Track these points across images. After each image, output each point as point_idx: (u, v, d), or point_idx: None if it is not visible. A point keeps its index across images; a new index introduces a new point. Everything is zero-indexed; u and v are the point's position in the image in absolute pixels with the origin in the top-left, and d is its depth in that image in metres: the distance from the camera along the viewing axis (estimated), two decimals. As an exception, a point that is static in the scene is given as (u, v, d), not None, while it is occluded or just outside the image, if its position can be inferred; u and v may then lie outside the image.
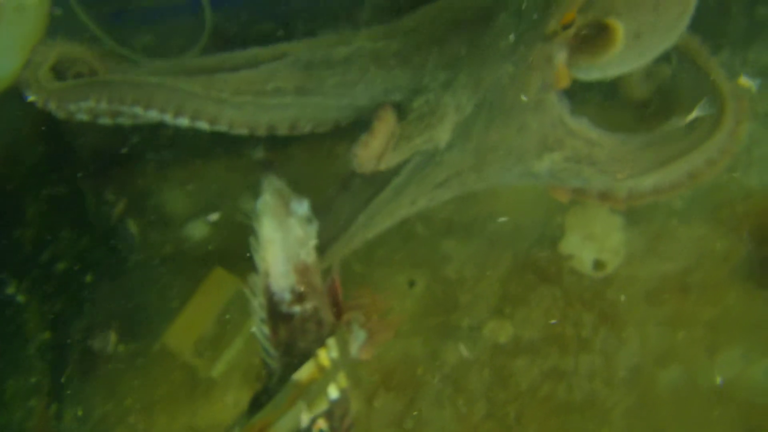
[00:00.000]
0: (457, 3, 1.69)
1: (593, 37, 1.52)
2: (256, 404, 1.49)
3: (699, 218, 2.13)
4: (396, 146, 1.60)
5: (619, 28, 1.48)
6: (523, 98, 1.57)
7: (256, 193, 2.38)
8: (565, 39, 1.51)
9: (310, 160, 2.32)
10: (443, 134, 1.61)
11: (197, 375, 2.21)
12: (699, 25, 1.67)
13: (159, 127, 1.90)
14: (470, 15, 1.64)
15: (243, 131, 1.80)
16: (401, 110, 1.66)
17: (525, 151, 1.65)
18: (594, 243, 2.11)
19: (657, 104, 2.05)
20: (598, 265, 2.13)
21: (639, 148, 1.71)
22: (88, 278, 2.35)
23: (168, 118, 1.73)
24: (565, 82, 1.58)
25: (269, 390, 1.51)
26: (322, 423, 1.49)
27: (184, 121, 1.74)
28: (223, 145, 2.37)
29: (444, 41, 1.64)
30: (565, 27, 1.48)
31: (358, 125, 2.35)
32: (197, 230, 2.34)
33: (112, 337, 2.33)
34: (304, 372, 1.47)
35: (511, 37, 1.52)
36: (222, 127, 1.79)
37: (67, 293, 2.35)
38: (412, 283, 2.19)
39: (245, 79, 1.73)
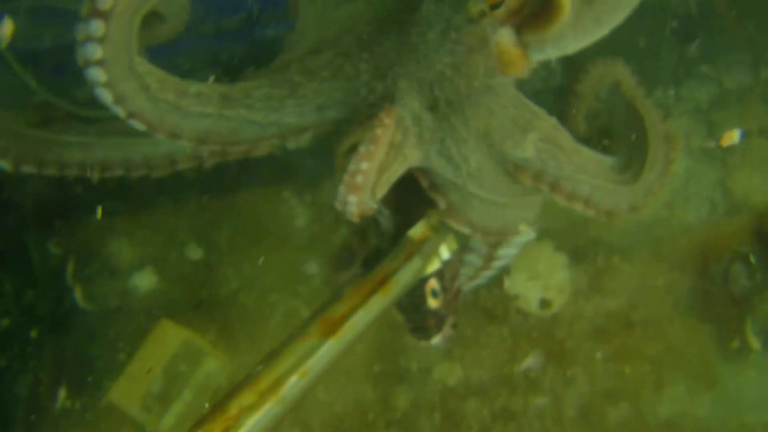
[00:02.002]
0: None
1: (539, 9, 1.39)
2: (369, 263, 1.50)
3: (641, 254, 2.17)
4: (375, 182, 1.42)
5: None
6: (475, 84, 1.46)
7: (202, 242, 2.38)
8: (498, 18, 1.40)
9: (256, 208, 2.33)
10: (413, 151, 1.46)
11: (145, 431, 2.18)
12: (631, 65, 1.70)
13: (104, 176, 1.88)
14: (392, 10, 1.50)
15: (161, 135, 1.55)
16: (341, 131, 1.52)
17: (506, 136, 1.52)
18: (539, 282, 2.13)
19: (596, 142, 2.09)
20: (544, 303, 2.15)
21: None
22: (34, 333, 2.32)
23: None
24: (519, 66, 1.47)
25: (382, 249, 1.55)
26: (434, 283, 1.52)
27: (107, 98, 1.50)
28: (169, 193, 2.37)
29: (372, 45, 1.49)
30: (494, 6, 1.38)
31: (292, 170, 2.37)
32: (143, 281, 2.32)
33: (62, 392, 2.29)
34: (418, 229, 1.51)
35: (439, 27, 1.42)
36: (138, 124, 1.53)
37: (11, 349, 2.31)
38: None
39: (170, 79, 1.53)
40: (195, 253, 2.35)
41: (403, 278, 1.46)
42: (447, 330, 1.55)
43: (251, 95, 1.50)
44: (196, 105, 1.48)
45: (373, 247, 1.62)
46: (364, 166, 1.29)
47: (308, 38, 1.62)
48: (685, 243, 2.15)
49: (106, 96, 1.42)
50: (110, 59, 1.38)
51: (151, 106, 1.48)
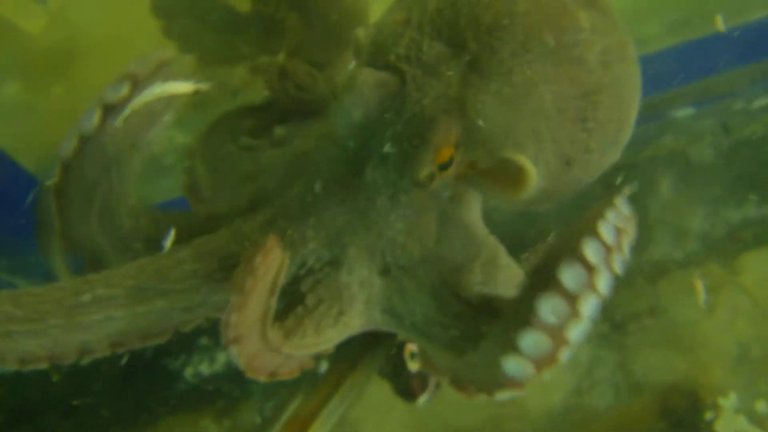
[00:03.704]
0: (319, 159, 1.36)
1: (501, 173, 1.26)
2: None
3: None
4: (301, 344, 1.27)
5: (528, 167, 1.22)
6: (428, 244, 1.33)
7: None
8: (447, 179, 1.27)
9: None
10: (356, 319, 1.33)
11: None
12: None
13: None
14: (338, 171, 1.33)
15: (41, 364, 1.30)
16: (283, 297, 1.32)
17: (455, 276, 1.38)
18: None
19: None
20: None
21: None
22: None
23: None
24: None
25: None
26: (412, 346, 1.44)
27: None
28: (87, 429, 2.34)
29: (318, 210, 1.32)
30: (443, 167, 1.23)
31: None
32: None
33: None
34: None
35: (387, 192, 1.29)
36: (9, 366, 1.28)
37: None
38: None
39: (48, 297, 1.26)
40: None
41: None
42: (432, 388, 1.49)
43: (167, 277, 1.27)
44: (97, 313, 1.25)
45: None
46: (234, 318, 1.14)
47: (232, 196, 1.46)
48: (598, 429, 2.19)
49: None
50: None
51: (38, 342, 1.25)
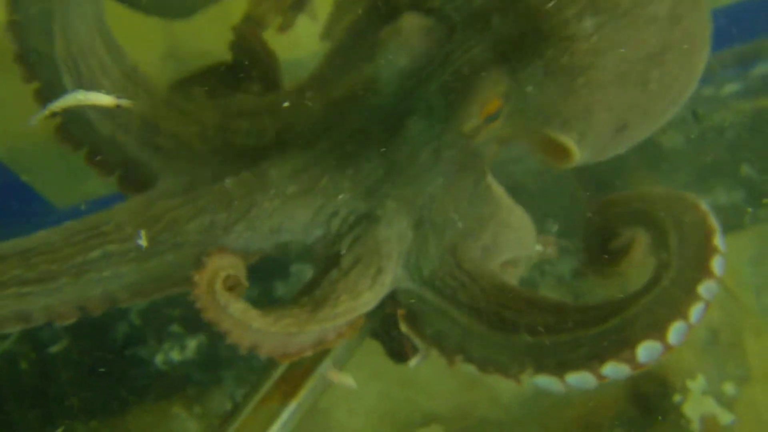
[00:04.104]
0: (359, 108, 1.27)
1: (542, 144, 1.21)
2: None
3: (530, 430, 2.20)
4: (333, 314, 1.20)
5: (571, 148, 1.16)
6: (461, 205, 1.29)
7: None
8: (493, 133, 1.21)
9: (147, 427, 2.29)
10: (389, 277, 1.27)
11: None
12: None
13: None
14: (380, 122, 1.24)
15: (70, 318, 1.23)
16: (300, 254, 1.30)
17: (467, 239, 1.35)
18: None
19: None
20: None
21: None
22: None
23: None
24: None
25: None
26: None
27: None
28: (57, 423, 2.31)
29: (358, 160, 1.24)
30: (489, 119, 1.17)
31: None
32: None
33: None
34: None
35: (430, 146, 1.22)
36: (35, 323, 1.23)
37: None
38: None
39: (58, 255, 1.19)
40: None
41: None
42: (423, 351, 1.41)
43: (182, 230, 1.19)
44: (107, 269, 1.19)
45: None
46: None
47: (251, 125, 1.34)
48: (571, 414, 2.20)
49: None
50: None
51: (57, 298, 1.19)
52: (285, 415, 1.46)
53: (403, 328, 1.34)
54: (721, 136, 2.49)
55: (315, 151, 1.25)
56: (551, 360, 1.20)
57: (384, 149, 1.23)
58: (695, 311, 1.15)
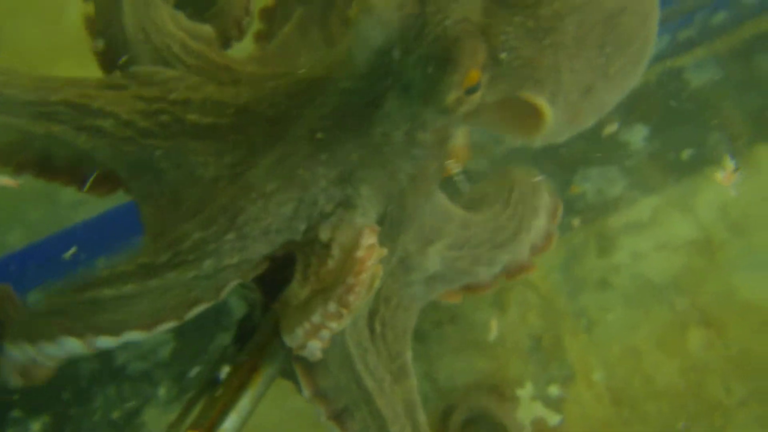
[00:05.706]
0: (332, 90, 1.24)
1: (514, 112, 1.19)
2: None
3: None
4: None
5: (545, 109, 1.16)
6: (420, 201, 1.29)
7: None
8: (473, 105, 1.16)
9: None
10: None
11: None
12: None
13: None
14: (354, 103, 1.22)
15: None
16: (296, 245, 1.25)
17: (417, 248, 1.36)
18: None
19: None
20: None
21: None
22: None
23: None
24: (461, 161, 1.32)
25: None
26: None
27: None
28: None
29: (333, 145, 1.22)
30: (470, 90, 1.13)
31: None
32: None
33: None
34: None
35: (405, 126, 1.20)
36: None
37: None
38: None
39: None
40: None
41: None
42: None
43: (180, 248, 1.20)
44: (110, 289, 1.20)
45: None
46: (334, 325, 1.10)
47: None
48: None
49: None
50: None
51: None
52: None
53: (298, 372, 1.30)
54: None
55: (286, 142, 1.24)
56: None
57: (357, 131, 1.21)
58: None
